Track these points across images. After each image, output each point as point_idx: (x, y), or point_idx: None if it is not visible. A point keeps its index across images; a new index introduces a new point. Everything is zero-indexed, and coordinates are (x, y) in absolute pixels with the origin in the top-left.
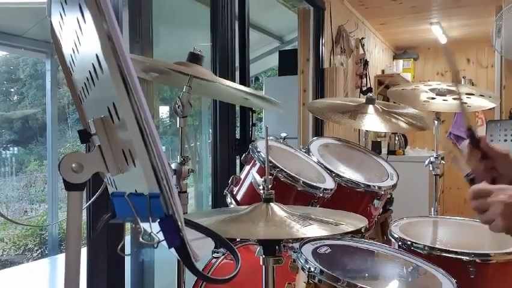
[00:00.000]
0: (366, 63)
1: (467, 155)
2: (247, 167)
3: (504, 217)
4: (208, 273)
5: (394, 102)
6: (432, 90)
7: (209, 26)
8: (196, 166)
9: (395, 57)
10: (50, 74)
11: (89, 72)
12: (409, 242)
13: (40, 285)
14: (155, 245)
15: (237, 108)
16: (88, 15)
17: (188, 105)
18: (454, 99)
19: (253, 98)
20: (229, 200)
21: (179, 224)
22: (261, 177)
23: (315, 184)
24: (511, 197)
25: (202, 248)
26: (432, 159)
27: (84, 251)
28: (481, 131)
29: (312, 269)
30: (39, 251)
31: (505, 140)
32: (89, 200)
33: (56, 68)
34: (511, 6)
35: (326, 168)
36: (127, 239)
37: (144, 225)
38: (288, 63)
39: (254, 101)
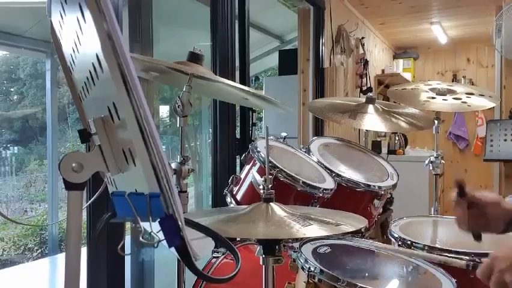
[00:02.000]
0: (366, 62)
1: (454, 203)
2: (247, 167)
3: None
4: (208, 272)
5: (394, 102)
6: (432, 89)
7: (209, 25)
8: (196, 166)
9: (395, 56)
10: (50, 73)
11: (89, 71)
12: (409, 242)
13: (40, 284)
14: (155, 245)
15: (237, 107)
16: (88, 14)
17: (188, 105)
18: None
19: (253, 98)
20: (229, 199)
21: (180, 223)
22: (261, 177)
23: (315, 184)
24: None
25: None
26: (432, 158)
27: (84, 251)
28: (481, 131)
29: (312, 269)
30: (40, 250)
31: (505, 140)
32: (90, 199)
33: (56, 68)
34: (511, 5)
35: (326, 168)
36: (127, 238)
37: (144, 225)
38: (288, 62)
39: (254, 101)
